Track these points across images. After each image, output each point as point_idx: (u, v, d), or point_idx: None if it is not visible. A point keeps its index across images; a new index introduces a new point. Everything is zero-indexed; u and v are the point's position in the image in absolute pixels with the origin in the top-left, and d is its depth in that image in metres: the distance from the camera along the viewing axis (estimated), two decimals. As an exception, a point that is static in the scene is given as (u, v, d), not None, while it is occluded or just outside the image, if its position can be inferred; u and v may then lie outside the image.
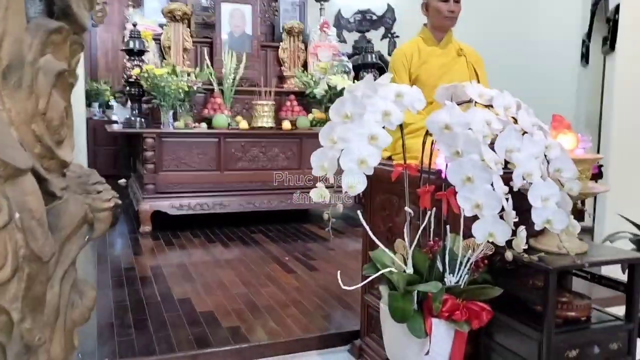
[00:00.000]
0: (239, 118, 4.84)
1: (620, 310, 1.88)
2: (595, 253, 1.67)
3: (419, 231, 1.45)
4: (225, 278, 3.28)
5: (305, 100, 5.21)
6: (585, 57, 4.82)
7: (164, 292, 3.01)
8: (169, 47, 4.85)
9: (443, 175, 1.84)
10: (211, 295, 2.96)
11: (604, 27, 4.38)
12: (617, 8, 3.46)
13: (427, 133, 1.54)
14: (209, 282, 3.20)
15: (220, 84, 4.90)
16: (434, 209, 1.47)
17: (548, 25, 5.87)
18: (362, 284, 1.62)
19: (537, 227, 1.34)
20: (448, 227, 1.51)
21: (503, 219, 1.25)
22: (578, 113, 5.18)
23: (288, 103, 5.14)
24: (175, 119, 4.54)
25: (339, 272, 1.53)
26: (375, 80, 1.41)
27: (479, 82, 2.45)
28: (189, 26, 5.05)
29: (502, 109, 1.44)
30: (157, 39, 4.91)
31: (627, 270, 1.92)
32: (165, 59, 4.86)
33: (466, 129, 1.31)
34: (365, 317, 2.42)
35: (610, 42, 3.58)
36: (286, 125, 4.90)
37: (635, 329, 1.67)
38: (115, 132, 4.86)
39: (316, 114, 5.06)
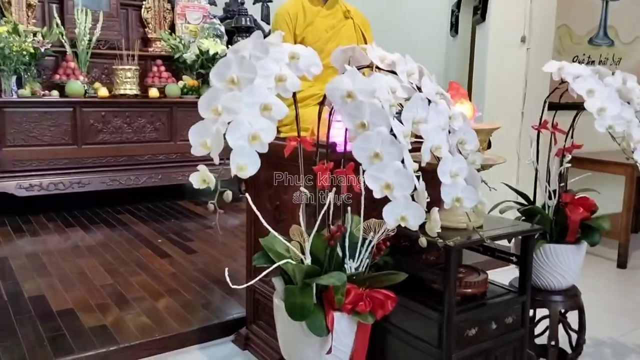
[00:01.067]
0: (97, 85, 4.30)
1: (500, 276, 1.88)
2: (489, 226, 1.61)
3: (319, 216, 1.27)
4: (87, 268, 2.89)
5: (174, 65, 4.79)
6: (455, 26, 4.93)
7: (12, 290, 2.56)
8: (9, 2, 4.13)
9: (338, 149, 1.68)
10: (70, 289, 2.57)
11: (473, -2, 4.48)
12: (488, -22, 3.51)
13: (322, 102, 1.36)
14: (67, 274, 2.79)
15: (73, 46, 4.30)
16: (333, 189, 1.29)
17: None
18: (255, 280, 1.40)
19: (446, 206, 1.22)
20: (349, 209, 1.35)
21: (414, 200, 1.11)
22: (446, 81, 5.34)
23: (155, 68, 4.68)
24: (20, 86, 3.91)
25: (226, 269, 1.31)
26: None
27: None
28: (32, -23, 4.35)
29: (404, 75, 1.29)
30: (-8, -9, 4.16)
31: (514, 242, 1.93)
32: (4, 16, 4.14)
33: (371, 97, 1.14)
34: (251, 303, 2.23)
35: (481, 12, 3.64)
36: (153, 92, 4.46)
37: (527, 300, 1.66)
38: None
39: (187, 81, 4.67)
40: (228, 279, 1.22)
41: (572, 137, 1.91)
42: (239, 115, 1.02)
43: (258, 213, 1.24)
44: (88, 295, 2.51)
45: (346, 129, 1.58)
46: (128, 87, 4.32)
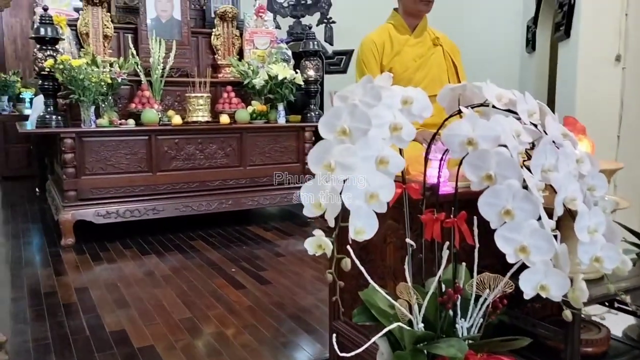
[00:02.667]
0: (171, 112, 4.37)
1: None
2: (612, 275, 1.44)
3: (438, 276, 1.14)
4: (165, 299, 2.87)
5: (243, 91, 4.81)
6: (531, 43, 4.71)
7: (93, 323, 2.56)
8: (87, 34, 4.29)
9: (442, 191, 1.56)
10: (150, 324, 2.55)
11: (552, 13, 4.26)
12: (573, -7, 3.31)
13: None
14: (146, 306, 2.78)
15: (147, 75, 4.40)
16: (447, 242, 1.17)
17: (489, 10, 5.76)
18: (361, 349, 1.25)
19: (584, 266, 1.07)
20: (463, 264, 1.22)
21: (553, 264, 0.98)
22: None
23: (225, 95, 4.71)
24: (97, 115, 4.01)
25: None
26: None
27: (457, 75, 2.20)
28: (109, 10, 4.49)
29: (525, 115, 1.16)
30: (72, 25, 4.32)
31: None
32: (83, 48, 4.29)
33: (495, 144, 1.02)
34: (333, 347, 2.11)
35: (565, 28, 3.43)
36: (224, 119, 4.48)
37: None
38: (28, 132, 4.25)
39: (256, 106, 4.67)
40: (335, 345, 1.11)
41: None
42: (355, 172, 0.92)
43: (367, 275, 1.12)
44: (168, 330, 2.47)
45: (440, 164, 1.46)
46: (200, 114, 4.36)
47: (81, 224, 3.91)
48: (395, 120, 1.00)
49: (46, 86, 3.85)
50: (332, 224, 0.92)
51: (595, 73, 3.01)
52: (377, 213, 0.99)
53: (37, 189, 5.99)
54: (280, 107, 4.71)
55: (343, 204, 0.91)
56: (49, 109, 3.87)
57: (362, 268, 1.16)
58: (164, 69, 4.41)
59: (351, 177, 0.92)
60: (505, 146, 1.06)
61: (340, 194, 0.91)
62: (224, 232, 4.32)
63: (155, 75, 4.36)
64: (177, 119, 4.26)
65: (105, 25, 4.36)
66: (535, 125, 1.20)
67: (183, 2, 4.77)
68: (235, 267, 3.43)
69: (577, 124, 1.44)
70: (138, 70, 4.34)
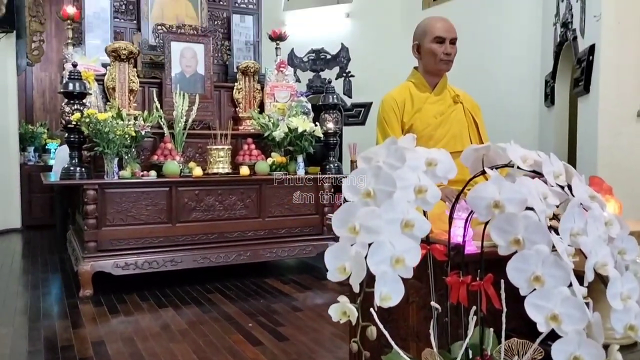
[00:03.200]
0: (192, 164, 4.43)
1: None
2: (646, 341, 1.38)
3: (465, 343, 1.11)
4: (181, 355, 2.82)
5: (264, 143, 4.87)
6: (550, 97, 4.73)
7: (108, 379, 2.52)
8: (114, 89, 4.42)
9: (466, 250, 1.53)
10: (166, 381, 2.50)
11: (570, 68, 4.30)
12: (591, 49, 3.34)
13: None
14: (162, 362, 2.73)
15: (170, 127, 4.49)
16: (473, 307, 1.13)
17: (508, 65, 5.82)
18: None
19: (617, 335, 1.03)
20: (491, 330, 1.18)
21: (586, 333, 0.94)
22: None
23: (245, 147, 4.78)
24: (120, 167, 4.08)
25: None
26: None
27: (478, 131, 2.20)
28: (135, 66, 4.65)
29: (551, 177, 1.14)
30: (100, 79, 4.47)
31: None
32: (109, 101, 4.41)
33: (522, 207, 1.00)
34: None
35: (584, 84, 3.44)
36: (244, 170, 4.53)
37: None
38: (52, 184, 4.32)
39: (276, 157, 4.72)
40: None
41: None
42: (380, 235, 0.91)
43: (389, 338, 1.09)
44: (183, 388, 2.42)
45: (465, 225, 1.44)
46: (221, 165, 4.41)
47: (100, 275, 3.91)
48: (420, 183, 1.00)
49: (72, 139, 3.94)
50: (356, 289, 0.90)
51: (617, 129, 3.00)
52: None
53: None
54: (300, 158, 4.75)
55: (368, 269, 0.90)
56: (73, 161, 3.95)
57: (385, 332, 1.12)
58: (186, 121, 4.50)
59: (376, 241, 0.91)
60: (532, 209, 1.04)
61: (365, 258, 0.90)
62: (242, 284, 4.28)
63: (178, 127, 4.46)
64: (198, 171, 4.31)
65: (131, 80, 4.50)
66: (562, 187, 1.19)
67: (207, 58, 4.92)
68: (252, 322, 3.37)
69: (603, 184, 1.41)
70: (161, 123, 4.43)
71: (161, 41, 4.84)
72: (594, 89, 3.30)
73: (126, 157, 4.14)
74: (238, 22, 5.66)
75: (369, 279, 0.93)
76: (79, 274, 3.87)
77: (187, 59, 4.84)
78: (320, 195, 4.71)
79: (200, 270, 4.28)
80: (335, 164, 4.90)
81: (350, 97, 7.84)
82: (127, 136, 3.95)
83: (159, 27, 4.89)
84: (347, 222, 0.95)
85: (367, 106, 7.65)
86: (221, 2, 5.65)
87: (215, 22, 5.57)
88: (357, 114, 7.80)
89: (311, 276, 4.55)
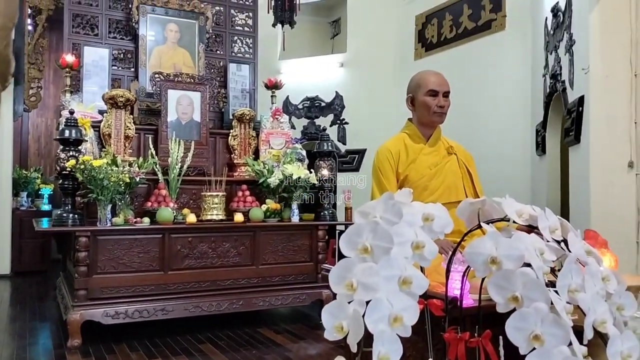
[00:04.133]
0: (186, 211, 4.41)
1: None
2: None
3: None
4: (171, 409, 2.73)
5: (258, 189, 4.87)
6: (541, 146, 4.80)
7: None
8: (109, 135, 4.45)
9: (464, 304, 1.52)
10: None
11: (560, 118, 4.38)
12: (581, 100, 3.41)
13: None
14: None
15: (165, 173, 4.50)
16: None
17: (500, 114, 5.93)
18: None
19: (620, 396, 1.01)
20: (491, 388, 1.15)
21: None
22: (535, 202, 5.11)
23: (240, 193, 4.77)
24: (114, 213, 4.06)
25: None
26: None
27: (472, 182, 2.22)
28: (131, 113, 4.70)
29: (547, 232, 1.15)
30: (96, 126, 4.50)
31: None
32: (104, 148, 4.43)
33: (520, 264, 1.00)
34: None
35: (574, 134, 3.50)
36: (238, 217, 4.50)
37: None
38: (44, 230, 4.28)
39: (270, 204, 4.71)
40: None
41: None
42: (377, 293, 0.90)
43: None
44: None
45: (463, 279, 1.43)
46: (215, 212, 4.40)
47: (89, 324, 3.82)
48: (417, 239, 1.00)
49: (66, 185, 3.93)
50: (354, 349, 0.89)
51: (608, 179, 3.03)
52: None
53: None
54: (294, 205, 4.75)
55: (366, 327, 0.88)
56: (66, 207, 3.92)
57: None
58: (181, 168, 4.51)
59: (374, 299, 0.90)
60: (529, 265, 1.04)
61: (363, 316, 0.89)
62: (234, 334, 4.19)
63: (173, 174, 4.46)
64: (191, 218, 4.29)
65: (127, 126, 4.53)
66: (558, 242, 1.19)
67: (203, 105, 4.98)
68: (245, 374, 3.29)
69: (598, 237, 1.42)
70: (156, 170, 4.44)
71: (158, 89, 4.91)
72: (584, 139, 3.36)
73: (120, 204, 4.12)
74: (235, 70, 5.77)
75: (366, 337, 0.91)
76: (68, 323, 3.78)
77: (184, 107, 4.90)
78: (315, 242, 4.68)
79: (191, 319, 4.19)
80: (330, 211, 4.90)
81: (344, 143, 7.90)
82: (121, 183, 3.94)
83: (157, 76, 4.97)
84: (344, 278, 0.94)
85: (361, 153, 7.71)
86: (218, 52, 5.77)
87: (212, 71, 5.68)
88: (352, 161, 7.85)
89: (305, 325, 4.47)
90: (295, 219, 4.71)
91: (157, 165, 4.45)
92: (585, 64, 3.24)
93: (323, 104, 7.95)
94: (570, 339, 0.93)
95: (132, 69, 5.30)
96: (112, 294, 3.90)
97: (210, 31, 5.60)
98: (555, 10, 4.20)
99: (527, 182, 5.44)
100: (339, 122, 7.98)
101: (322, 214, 4.83)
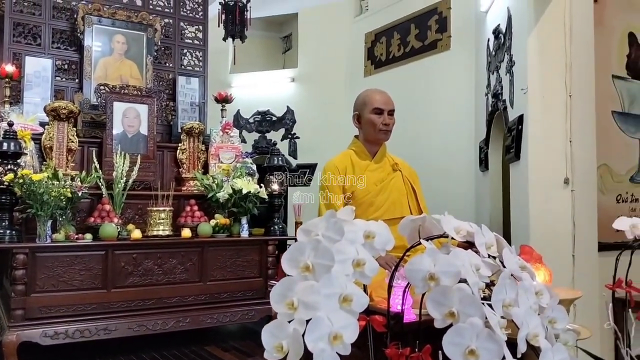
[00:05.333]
0: (130, 226, 4.30)
1: None
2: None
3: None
4: None
5: (207, 204, 4.81)
6: (484, 162, 4.96)
7: None
8: (51, 148, 4.30)
9: (407, 319, 1.54)
10: None
11: (502, 136, 4.54)
12: (520, 119, 3.56)
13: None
14: None
15: (109, 188, 4.37)
16: (413, 379, 1.13)
17: (445, 131, 6.10)
18: None
19: (551, 407, 1.05)
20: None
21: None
22: (479, 216, 5.27)
23: (188, 208, 4.69)
24: (54, 229, 3.91)
25: None
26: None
27: (416, 198, 2.27)
28: (75, 125, 4.56)
29: (483, 248, 1.19)
30: (36, 138, 4.33)
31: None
32: (45, 161, 4.27)
33: (457, 280, 1.03)
34: None
35: (515, 151, 3.64)
36: (186, 232, 4.42)
37: None
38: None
39: (219, 219, 4.65)
40: None
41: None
42: (318, 311, 0.90)
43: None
44: None
45: (404, 294, 1.46)
46: (161, 227, 4.31)
47: (26, 345, 3.65)
48: (358, 256, 1.01)
49: (3, 200, 3.76)
50: (293, 367, 0.89)
51: (546, 194, 3.17)
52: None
53: None
54: (244, 220, 4.70)
55: (306, 347, 0.89)
56: (3, 224, 3.74)
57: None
58: (126, 182, 4.40)
59: (314, 317, 0.91)
60: (465, 281, 1.07)
61: (303, 335, 0.89)
62: (180, 353, 4.09)
63: (117, 188, 4.34)
64: (136, 233, 4.18)
65: (70, 139, 4.39)
66: (494, 258, 1.23)
67: (150, 118, 4.89)
68: (191, 394, 3.21)
69: (533, 252, 1.48)
70: (100, 184, 4.31)
71: (103, 101, 4.79)
72: (523, 156, 3.49)
73: (61, 219, 3.97)
74: (184, 83, 5.70)
75: (307, 356, 0.92)
76: (3, 345, 3.59)
77: (130, 119, 4.80)
78: (265, 257, 4.65)
79: (136, 338, 4.06)
80: (280, 226, 4.88)
81: (295, 158, 7.93)
82: (62, 197, 3.81)
83: (102, 87, 4.85)
84: (285, 297, 0.94)
85: (312, 167, 7.74)
86: (167, 64, 5.69)
87: (161, 83, 5.59)
88: (302, 175, 7.87)
89: (253, 342, 4.41)
90: (244, 234, 4.67)
91: (101, 180, 4.32)
92: (524, 85, 3.38)
93: (274, 119, 7.96)
94: (503, 352, 0.96)
95: (77, 80, 5.15)
96: (52, 313, 3.74)
97: (159, 43, 5.53)
98: (496, 32, 4.38)
99: (472, 197, 5.60)
100: (290, 136, 8.00)
101: (272, 228, 4.81)
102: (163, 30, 5.60)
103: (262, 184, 4.85)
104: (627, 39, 3.82)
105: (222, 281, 4.45)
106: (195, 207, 4.70)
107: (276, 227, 4.82)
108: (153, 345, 4.16)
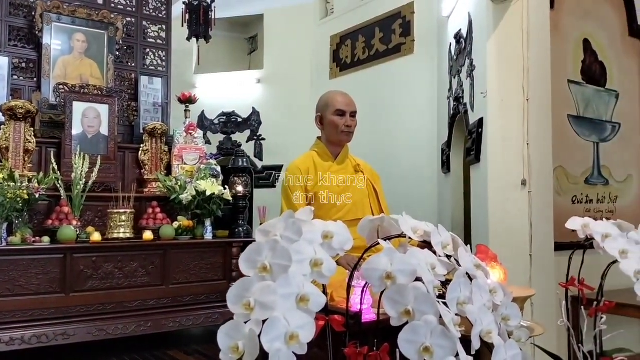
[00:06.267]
0: (90, 229, 4.20)
1: None
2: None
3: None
4: None
5: (170, 206, 4.74)
6: (446, 164, 5.05)
7: None
8: (7, 149, 4.17)
9: (366, 319, 1.55)
10: None
11: (463, 138, 4.63)
12: (480, 122, 3.64)
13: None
14: None
15: (68, 190, 4.26)
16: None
17: (408, 133, 6.18)
18: None
19: (503, 402, 1.08)
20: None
21: (472, 401, 0.98)
22: (442, 217, 5.35)
23: (150, 210, 4.62)
24: (10, 232, 3.79)
25: None
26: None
27: (378, 199, 2.30)
28: (32, 125, 4.43)
29: (439, 247, 1.21)
30: (-9, 138, 4.20)
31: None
32: (1, 162, 4.14)
33: (413, 279, 1.05)
34: None
35: (475, 154, 3.72)
36: (147, 235, 4.35)
37: None
38: None
39: (182, 221, 4.59)
40: None
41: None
42: (274, 312, 0.90)
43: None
44: None
45: (362, 293, 1.47)
46: (122, 230, 4.23)
47: (-22, 353, 3.53)
48: (316, 256, 1.02)
49: (-46, 202, 3.63)
50: (250, 368, 0.89)
51: (505, 196, 3.24)
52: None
53: None
54: (208, 222, 4.66)
55: (262, 347, 0.89)
56: (-46, 226, 3.62)
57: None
58: (86, 183, 4.30)
59: (271, 317, 0.91)
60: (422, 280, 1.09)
61: (260, 336, 0.89)
62: (141, 357, 4.02)
63: (77, 190, 4.24)
64: (96, 236, 4.09)
65: (27, 139, 4.27)
66: (450, 257, 1.26)
67: (111, 118, 4.80)
68: (152, 399, 3.16)
69: (489, 252, 1.52)
70: (58, 185, 4.20)
71: (62, 100, 4.67)
72: (483, 159, 3.57)
73: (17, 222, 3.86)
74: (146, 83, 5.61)
75: (264, 357, 0.92)
76: (-47, 353, 3.47)
77: (90, 120, 4.70)
78: (229, 260, 4.61)
79: (95, 343, 3.97)
80: (245, 228, 4.85)
81: (261, 159, 7.89)
82: (19, 199, 3.70)
83: (61, 87, 4.74)
84: (242, 298, 0.94)
85: (277, 169, 7.72)
86: (129, 64, 5.60)
87: (122, 83, 5.49)
88: (268, 177, 7.84)
89: (217, 346, 4.35)
90: (208, 237, 4.63)
91: (60, 181, 4.22)
92: (484, 89, 3.46)
93: (240, 120, 7.90)
94: (457, 349, 0.98)
95: (35, 79, 5.01)
96: (7, 318, 3.63)
97: (121, 42, 5.43)
98: (458, 37, 4.47)
99: (435, 199, 5.69)
100: (255, 138, 7.96)
101: (236, 230, 4.78)
102: (125, 29, 5.50)
103: (226, 186, 4.81)
104: (582, 45, 3.95)
105: (185, 284, 4.39)
106: (158, 209, 4.63)
107: (241, 229, 4.80)
108: (114, 351, 4.07)
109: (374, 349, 1.21)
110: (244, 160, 5.05)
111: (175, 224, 4.54)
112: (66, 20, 5.10)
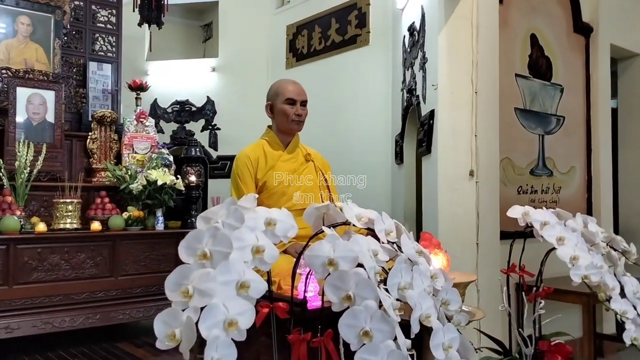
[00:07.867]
0: (35, 219, 4.05)
1: None
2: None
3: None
4: None
5: (119, 196, 4.63)
6: (399, 155, 5.12)
7: None
8: (-57, 135, 3.97)
9: (312, 306, 1.56)
10: None
11: (415, 130, 4.70)
12: (432, 114, 3.70)
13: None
14: None
15: (11, 179, 4.10)
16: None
17: (363, 124, 6.22)
18: None
19: (441, 383, 1.11)
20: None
21: (410, 383, 1.00)
22: (395, 207, 5.43)
23: (98, 200, 4.49)
24: (-54, 223, 3.62)
25: None
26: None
27: (328, 188, 2.31)
28: (-28, 111, 4.23)
29: (383, 234, 1.23)
30: None
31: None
32: (-64, 149, 3.94)
33: (355, 265, 1.06)
34: None
35: (426, 145, 3.79)
36: (95, 226, 4.23)
37: None
38: None
39: (132, 211, 4.49)
40: None
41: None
42: (213, 298, 0.90)
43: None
44: None
45: (306, 279, 1.48)
46: (68, 220, 4.10)
47: None
48: (257, 243, 1.02)
49: None
50: (187, 356, 0.88)
51: (453, 186, 3.31)
52: (250, 329, 0.96)
53: None
54: (159, 212, 4.57)
55: (200, 334, 0.88)
56: None
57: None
58: (30, 172, 4.15)
59: (209, 304, 0.90)
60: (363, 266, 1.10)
61: (197, 323, 0.88)
62: (89, 350, 3.92)
63: (20, 179, 4.09)
64: (41, 227, 3.95)
65: (-34, 126, 4.08)
66: (393, 243, 1.28)
67: (58, 105, 4.63)
68: (99, 392, 3.10)
69: (432, 239, 1.55)
70: (1, 174, 4.04)
71: (5, 86, 4.48)
72: (434, 150, 3.63)
73: (-45, 212, 3.68)
74: (95, 69, 5.44)
75: (202, 344, 0.91)
76: None
77: (35, 106, 4.52)
78: (180, 251, 4.54)
79: (41, 337, 3.85)
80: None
81: (216, 149, 7.78)
82: (-44, 188, 3.53)
83: (4, 71, 4.55)
84: (180, 285, 0.93)
85: (232, 159, 7.64)
86: (77, 49, 5.40)
87: (70, 69, 5.30)
88: (223, 167, 7.75)
89: (168, 337, 4.31)
90: (160, 227, 4.54)
91: (2, 170, 4.05)
92: (435, 81, 3.51)
93: (194, 109, 7.77)
94: (395, 333, 1.00)
95: (-25, 63, 4.78)
96: (-57, 313, 3.47)
97: (69, 26, 5.23)
98: (411, 30, 4.51)
99: (388, 190, 5.76)
100: (210, 127, 7.84)
101: (189, 221, 4.72)
102: (73, 13, 5.31)
103: (178, 176, 4.73)
104: (529, 40, 4.06)
105: (135, 275, 4.30)
106: (107, 199, 4.51)
107: (193, 219, 4.73)
108: (60, 344, 3.96)
109: (319, 335, 1.22)
110: (197, 149, 4.98)
111: (125, 215, 4.43)
112: (9, 1, 4.87)
